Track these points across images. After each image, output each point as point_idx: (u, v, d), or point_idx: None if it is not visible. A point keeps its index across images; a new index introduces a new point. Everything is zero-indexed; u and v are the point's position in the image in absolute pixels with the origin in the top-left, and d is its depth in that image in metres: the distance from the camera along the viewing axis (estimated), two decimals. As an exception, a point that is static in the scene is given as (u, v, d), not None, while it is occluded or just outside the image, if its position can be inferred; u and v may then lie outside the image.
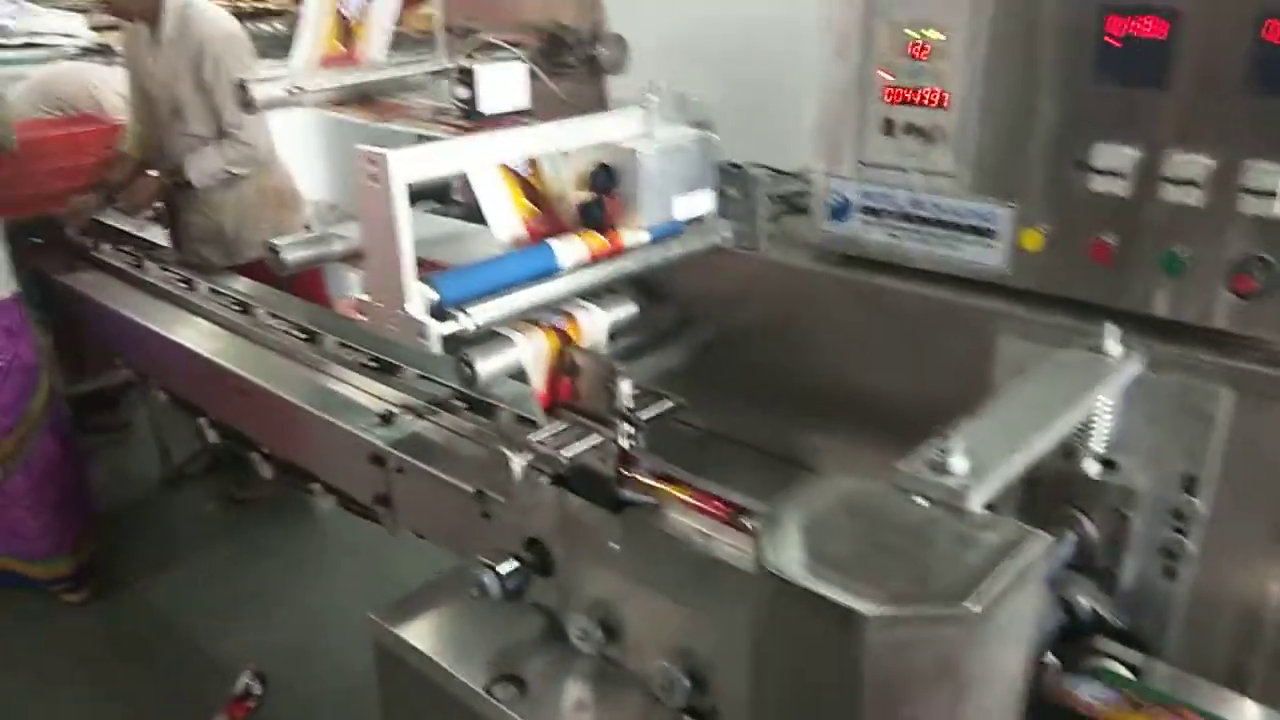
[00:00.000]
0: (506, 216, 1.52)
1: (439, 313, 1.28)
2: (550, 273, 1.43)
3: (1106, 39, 1.23)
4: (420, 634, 1.56)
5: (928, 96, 1.40)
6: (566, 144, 1.43)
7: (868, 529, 0.92)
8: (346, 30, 1.78)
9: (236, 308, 2.33)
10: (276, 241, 1.73)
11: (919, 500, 0.95)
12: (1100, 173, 1.26)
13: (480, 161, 1.30)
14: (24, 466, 2.69)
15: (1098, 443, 1.28)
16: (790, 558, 0.87)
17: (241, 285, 2.52)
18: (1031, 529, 0.91)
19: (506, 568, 1.50)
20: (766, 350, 1.70)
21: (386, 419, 1.86)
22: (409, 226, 1.19)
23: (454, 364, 1.48)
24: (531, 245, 1.47)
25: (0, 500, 2.72)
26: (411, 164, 1.19)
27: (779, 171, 2.01)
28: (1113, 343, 1.23)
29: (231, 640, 2.74)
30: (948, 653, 0.81)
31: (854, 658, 0.81)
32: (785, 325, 1.66)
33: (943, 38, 1.36)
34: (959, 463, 0.96)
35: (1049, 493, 1.35)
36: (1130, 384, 1.26)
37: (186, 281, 2.52)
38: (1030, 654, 0.94)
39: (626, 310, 1.75)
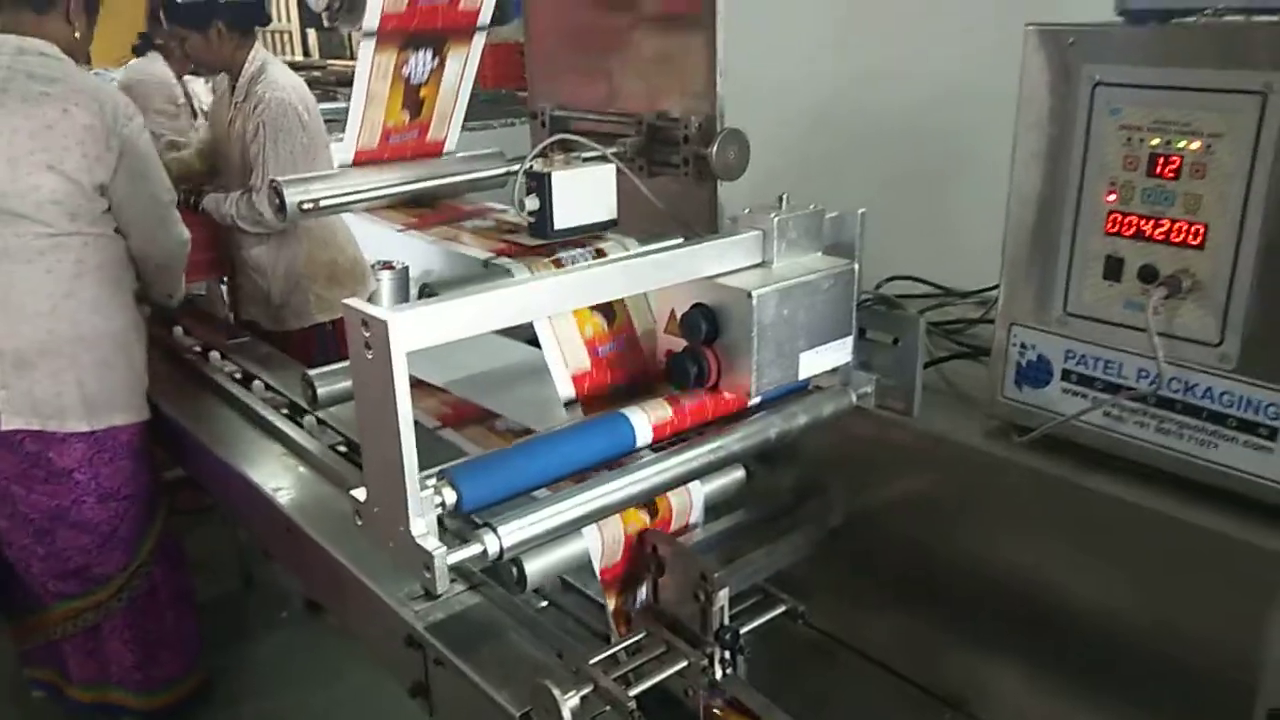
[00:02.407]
0: (573, 356, 1.16)
1: (456, 521, 0.92)
2: (625, 453, 1.06)
3: None
4: None
5: (1176, 230, 0.96)
6: (653, 283, 1.06)
7: None
8: (414, 97, 1.45)
9: (285, 410, 2.06)
10: (312, 373, 1.42)
11: None
12: None
13: (524, 316, 0.94)
14: (127, 600, 2.47)
15: None
16: None
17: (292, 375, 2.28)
18: None
19: None
20: (915, 544, 1.27)
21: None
22: (410, 417, 0.83)
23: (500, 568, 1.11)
24: (600, 413, 1.09)
25: (99, 631, 2.49)
26: (421, 329, 0.84)
27: (941, 290, 1.58)
28: None
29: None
30: None
31: None
32: (943, 516, 1.23)
33: (1203, 148, 0.93)
34: None
35: None
36: None
37: (244, 378, 2.28)
38: None
39: (731, 478, 1.35)
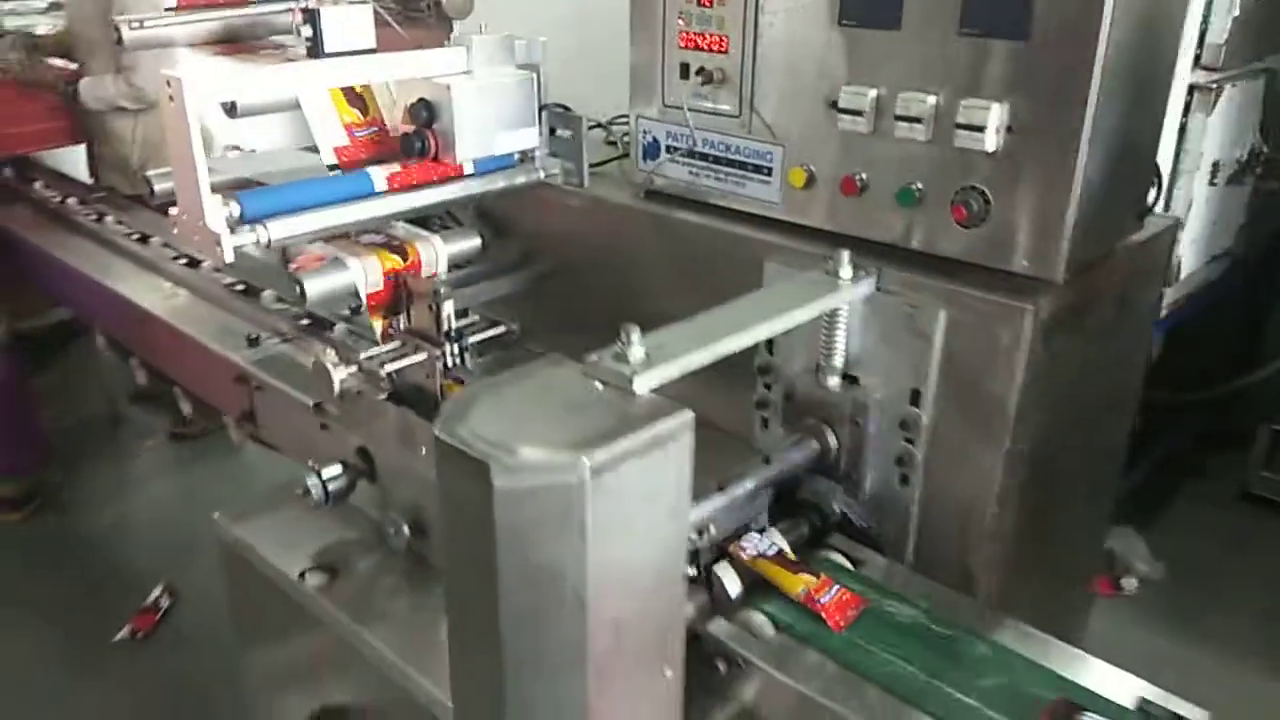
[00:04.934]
0: (333, 134, 1.64)
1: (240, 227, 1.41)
2: (366, 196, 1.56)
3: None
4: (253, 531, 1.70)
5: (712, 42, 1.51)
6: (380, 76, 1.55)
7: (542, 404, 1.05)
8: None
9: (135, 237, 2.48)
10: (150, 174, 1.85)
11: (597, 384, 1.07)
12: (846, 112, 1.37)
13: (286, 88, 1.42)
14: None
15: (838, 360, 1.40)
16: (458, 424, 1.00)
17: (145, 218, 2.68)
18: (680, 407, 1.03)
19: (330, 472, 1.63)
20: (594, 280, 1.82)
21: (254, 341, 1.99)
22: (201, 144, 1.31)
23: (287, 282, 1.61)
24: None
25: None
26: (205, 86, 1.31)
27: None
28: (845, 266, 1.34)
29: (152, 560, 2.89)
30: (567, 502, 0.94)
31: (487, 502, 0.94)
32: (608, 257, 1.78)
33: (724, -15, 1.47)
34: (636, 353, 1.08)
35: (801, 407, 1.47)
36: (865, 306, 1.38)
37: (98, 216, 2.68)
38: (683, 514, 1.06)
39: (469, 243, 1.87)
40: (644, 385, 1.06)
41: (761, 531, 1.35)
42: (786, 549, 1.33)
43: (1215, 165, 2.38)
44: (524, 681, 1.01)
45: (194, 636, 2.61)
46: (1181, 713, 1.14)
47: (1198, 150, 2.26)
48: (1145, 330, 1.69)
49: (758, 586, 1.29)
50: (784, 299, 1.29)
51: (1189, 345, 3.36)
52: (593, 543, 0.95)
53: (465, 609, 1.05)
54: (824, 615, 1.21)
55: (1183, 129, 2.26)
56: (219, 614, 2.49)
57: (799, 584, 1.27)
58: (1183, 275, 2.43)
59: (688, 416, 1.02)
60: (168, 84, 1.31)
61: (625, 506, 0.98)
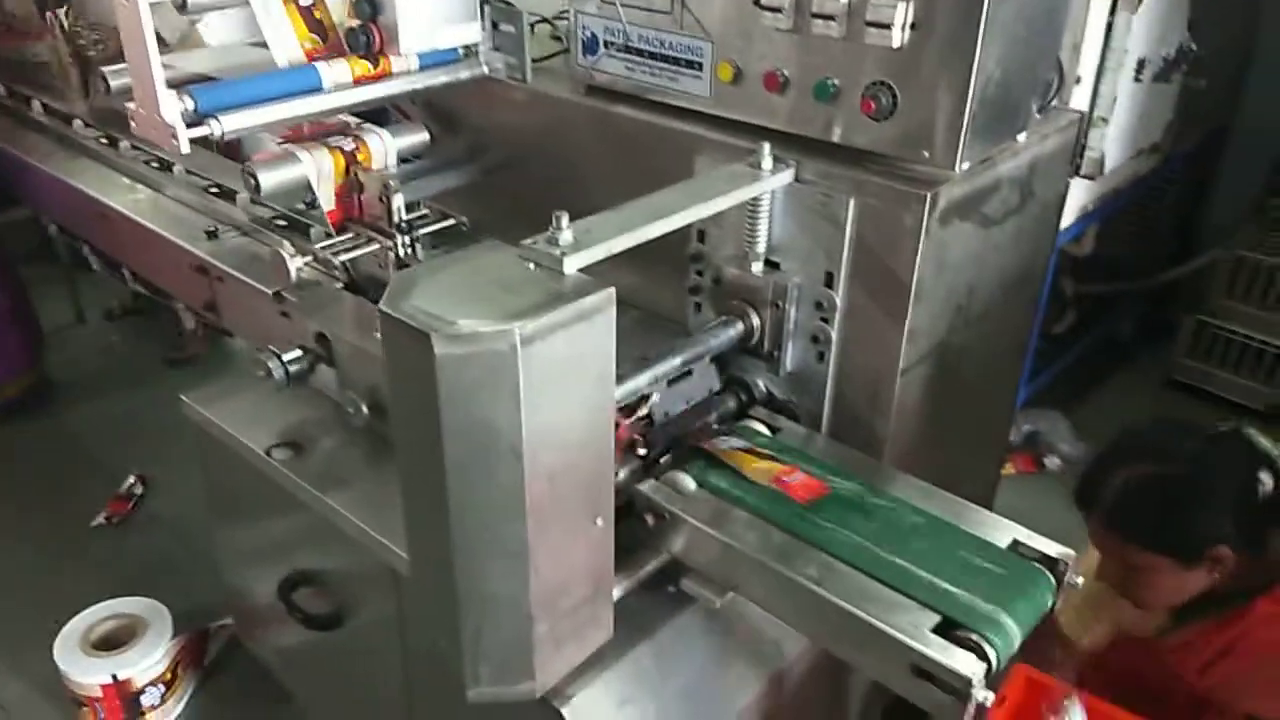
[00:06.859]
0: (286, 43, 1.70)
1: (195, 120, 1.48)
2: (314, 90, 1.62)
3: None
4: (221, 411, 1.82)
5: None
6: (323, -24, 1.60)
7: (479, 282, 1.16)
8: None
9: (104, 141, 2.51)
10: (105, 69, 1.89)
11: (530, 265, 1.18)
12: (767, 9, 1.45)
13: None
14: None
15: (760, 246, 1.52)
16: (402, 300, 1.11)
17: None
18: (604, 285, 1.14)
19: (290, 355, 1.73)
20: (540, 173, 1.91)
21: (212, 234, 2.07)
22: (155, 42, 1.37)
23: (241, 176, 1.69)
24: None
25: None
26: (155, -17, 1.37)
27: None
28: (765, 158, 1.44)
29: (130, 457, 3.00)
30: (501, 367, 1.05)
31: (430, 369, 1.05)
32: (553, 150, 1.87)
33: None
34: (566, 237, 1.19)
35: (728, 291, 1.59)
36: (786, 196, 1.49)
37: (66, 119, 2.69)
38: (608, 378, 1.18)
39: (418, 137, 1.95)
40: (572, 266, 1.17)
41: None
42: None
43: (1141, 62, 2.47)
44: (469, 527, 1.15)
45: (163, 520, 2.75)
46: (1049, 552, 1.30)
47: (1122, 47, 2.35)
48: (1050, 218, 1.81)
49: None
50: (706, 189, 1.39)
51: (1122, 238, 3.52)
52: (525, 403, 1.07)
53: (415, 465, 1.18)
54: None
55: (1110, 27, 2.34)
56: (185, 500, 2.64)
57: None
58: (1108, 169, 2.54)
59: (610, 292, 1.13)
60: (118, -18, 1.36)
61: (553, 371, 1.10)
